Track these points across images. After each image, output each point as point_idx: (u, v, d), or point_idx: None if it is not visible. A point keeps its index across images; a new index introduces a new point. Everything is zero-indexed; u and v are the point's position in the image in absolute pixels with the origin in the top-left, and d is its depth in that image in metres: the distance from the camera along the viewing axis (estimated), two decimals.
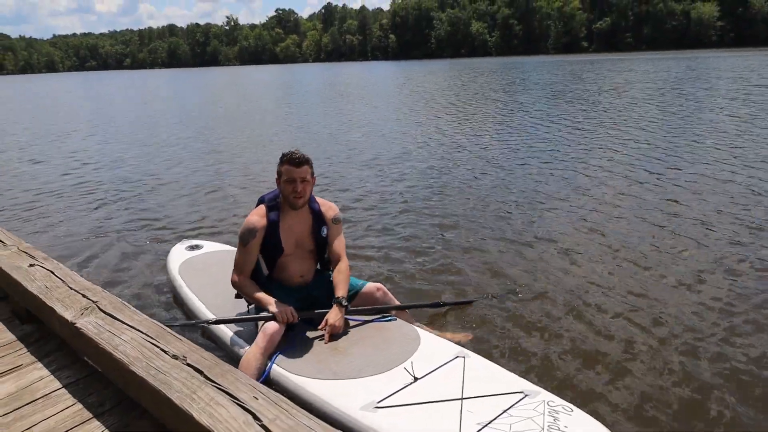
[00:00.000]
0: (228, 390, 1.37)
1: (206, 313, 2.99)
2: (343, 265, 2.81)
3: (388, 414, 2.07)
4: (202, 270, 3.59)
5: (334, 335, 2.61)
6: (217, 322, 2.78)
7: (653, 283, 3.82)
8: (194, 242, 4.13)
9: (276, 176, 2.75)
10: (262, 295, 2.64)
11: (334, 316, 2.63)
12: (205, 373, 1.46)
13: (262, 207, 2.76)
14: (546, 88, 22.74)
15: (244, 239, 2.70)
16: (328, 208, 2.88)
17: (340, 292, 2.70)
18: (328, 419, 1.97)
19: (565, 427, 1.96)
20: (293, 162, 2.66)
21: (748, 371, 2.78)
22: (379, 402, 2.13)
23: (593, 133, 10.62)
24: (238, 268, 2.72)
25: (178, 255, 3.89)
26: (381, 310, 2.85)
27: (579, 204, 5.91)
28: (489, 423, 1.98)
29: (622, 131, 10.59)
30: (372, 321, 2.76)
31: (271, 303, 2.59)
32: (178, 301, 3.51)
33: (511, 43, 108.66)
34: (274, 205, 2.76)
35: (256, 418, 1.26)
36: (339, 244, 2.88)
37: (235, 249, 2.79)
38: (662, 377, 2.73)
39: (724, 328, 3.20)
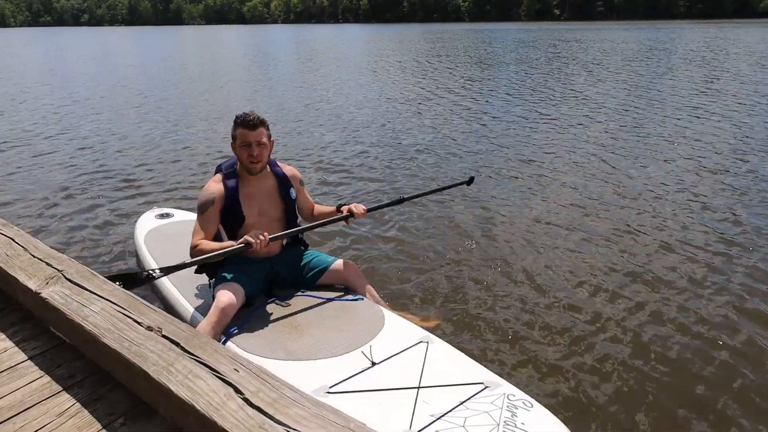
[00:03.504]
0: (207, 362, 1.32)
1: (167, 284, 2.88)
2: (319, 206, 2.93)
3: (338, 400, 1.97)
4: (169, 239, 3.46)
5: (302, 316, 2.53)
6: (166, 270, 2.50)
7: (632, 276, 3.68)
8: (165, 210, 4.00)
9: (231, 140, 2.62)
10: (215, 246, 2.47)
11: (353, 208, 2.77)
12: (182, 345, 1.41)
13: (219, 175, 2.64)
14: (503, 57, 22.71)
15: (202, 208, 2.58)
16: (292, 171, 2.80)
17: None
18: None
19: (522, 423, 1.89)
20: (247, 125, 2.53)
21: (718, 371, 2.73)
22: (331, 387, 2.04)
23: (540, 97, 10.69)
24: (196, 233, 2.57)
25: (147, 223, 3.76)
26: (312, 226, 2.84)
27: (559, 177, 5.95)
28: (443, 415, 1.90)
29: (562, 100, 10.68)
30: (337, 299, 2.65)
31: (230, 245, 2.44)
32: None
33: (484, 8, 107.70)
34: (231, 172, 2.63)
35: (237, 391, 1.22)
36: (310, 200, 2.92)
37: None
38: (630, 378, 2.68)
39: (696, 322, 3.14)
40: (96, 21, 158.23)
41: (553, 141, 7.41)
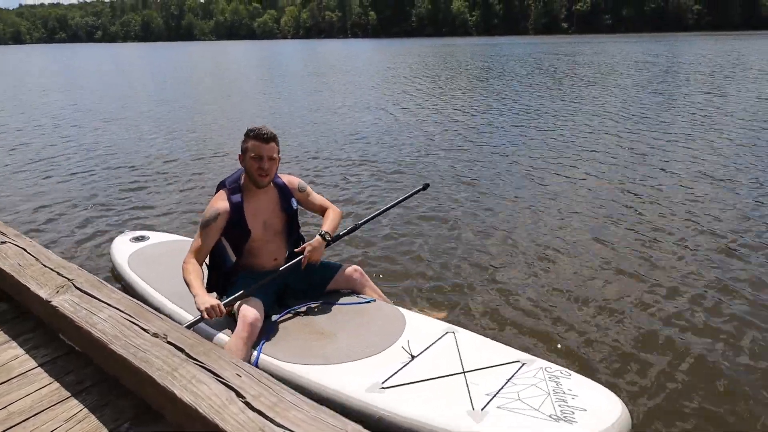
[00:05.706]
0: (210, 368, 1.36)
1: (167, 303, 2.84)
2: (332, 211, 2.82)
3: (396, 393, 2.06)
4: (158, 261, 3.39)
5: (323, 322, 2.55)
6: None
7: (637, 255, 3.86)
8: (138, 233, 3.89)
9: (240, 153, 2.63)
10: (193, 283, 2.46)
11: (314, 242, 2.66)
12: (187, 351, 1.45)
13: (223, 192, 2.64)
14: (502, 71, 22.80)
15: (205, 223, 2.58)
16: (290, 179, 2.81)
17: (326, 227, 2.73)
18: (331, 404, 1.83)
19: (569, 389, 2.03)
20: (261, 138, 2.55)
21: (746, 346, 2.80)
22: (383, 382, 2.12)
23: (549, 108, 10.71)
24: (191, 251, 2.59)
25: (124, 247, 3.66)
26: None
27: (566, 173, 6.04)
28: (497, 393, 2.03)
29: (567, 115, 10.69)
30: (350, 304, 2.70)
31: (197, 294, 2.40)
32: (132, 294, 3.28)
33: (492, 22, 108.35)
34: (235, 187, 2.64)
35: (239, 395, 1.26)
36: (319, 200, 2.85)
37: (185, 238, 2.66)
38: (646, 347, 2.81)
39: (715, 299, 3.25)
40: (110, 37, 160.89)
41: (562, 145, 7.42)
